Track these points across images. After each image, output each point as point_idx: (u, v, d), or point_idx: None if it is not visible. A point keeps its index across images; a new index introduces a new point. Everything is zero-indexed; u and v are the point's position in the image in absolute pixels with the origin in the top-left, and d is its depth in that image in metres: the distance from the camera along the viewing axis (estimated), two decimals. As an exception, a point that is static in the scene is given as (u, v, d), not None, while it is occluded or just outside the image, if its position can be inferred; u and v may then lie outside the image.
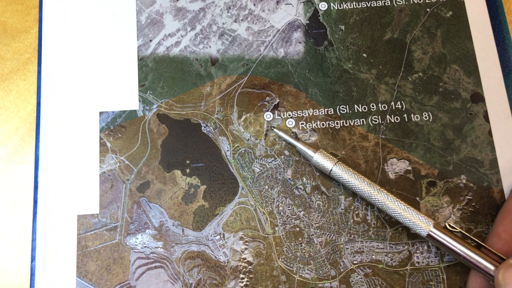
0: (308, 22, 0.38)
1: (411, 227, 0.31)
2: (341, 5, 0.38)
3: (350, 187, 0.33)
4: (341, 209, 0.34)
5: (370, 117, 0.36)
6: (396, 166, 0.35)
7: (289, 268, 0.33)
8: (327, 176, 0.35)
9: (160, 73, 0.37)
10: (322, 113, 0.36)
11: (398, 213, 0.32)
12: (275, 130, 0.35)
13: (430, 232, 0.31)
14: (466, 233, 0.33)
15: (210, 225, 0.34)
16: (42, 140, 0.35)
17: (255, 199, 0.34)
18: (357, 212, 0.34)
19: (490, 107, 0.36)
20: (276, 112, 0.36)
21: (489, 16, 0.38)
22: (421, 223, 0.31)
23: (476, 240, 0.32)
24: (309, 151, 0.34)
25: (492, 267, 0.29)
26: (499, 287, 0.27)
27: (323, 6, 0.38)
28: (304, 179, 0.35)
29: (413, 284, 0.33)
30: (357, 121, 0.36)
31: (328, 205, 0.34)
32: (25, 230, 0.34)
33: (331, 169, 0.33)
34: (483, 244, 0.31)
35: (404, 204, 0.32)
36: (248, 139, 0.35)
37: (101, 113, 0.36)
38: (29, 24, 0.39)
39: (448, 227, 0.33)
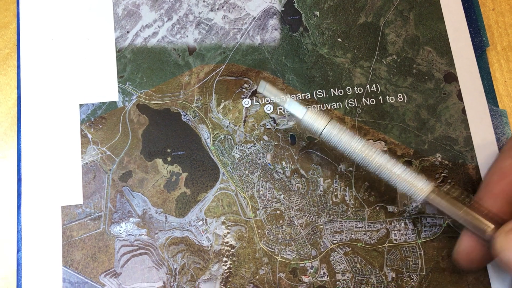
0: (283, 8, 0.39)
1: (409, 190, 0.30)
2: (316, -9, 0.39)
3: (344, 149, 0.30)
4: (320, 191, 0.35)
5: (346, 100, 0.37)
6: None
7: (271, 250, 0.34)
8: (306, 159, 0.35)
9: (139, 64, 0.37)
10: (299, 98, 0.37)
11: (396, 175, 0.30)
12: (262, 92, 0.32)
13: (429, 195, 0.29)
14: (463, 197, 0.32)
15: (193, 211, 0.34)
16: (24, 134, 0.35)
17: (236, 184, 0.35)
18: (335, 193, 0.35)
19: (463, 86, 0.37)
20: (254, 98, 0.37)
21: (460, -3, 0.39)
22: (420, 185, 0.29)
23: (473, 202, 0.30)
24: (300, 107, 0.31)
25: (491, 229, 0.28)
26: (497, 252, 0.27)
27: (297, -7, 0.39)
28: (284, 163, 0.35)
29: (391, 261, 0.34)
30: (333, 104, 0.36)
31: (307, 187, 0.35)
32: (10, 222, 0.35)
33: (324, 127, 0.30)
34: (481, 206, 0.30)
35: (403, 165, 0.30)
36: (228, 126, 0.36)
37: (81, 105, 0.36)
38: (8, 19, 0.39)
39: (446, 190, 0.32)
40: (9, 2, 0.39)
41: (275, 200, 0.35)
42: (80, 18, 0.38)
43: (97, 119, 0.36)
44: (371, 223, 0.34)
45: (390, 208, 0.34)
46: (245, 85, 0.37)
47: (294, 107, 0.31)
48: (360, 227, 0.34)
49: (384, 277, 0.33)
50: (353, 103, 0.36)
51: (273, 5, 0.39)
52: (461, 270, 0.33)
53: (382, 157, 0.30)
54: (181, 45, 0.38)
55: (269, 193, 0.35)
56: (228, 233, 0.34)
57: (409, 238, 0.34)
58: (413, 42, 0.38)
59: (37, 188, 0.34)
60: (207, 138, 0.36)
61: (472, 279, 0.33)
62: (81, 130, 0.36)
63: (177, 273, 0.33)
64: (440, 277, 0.33)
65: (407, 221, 0.34)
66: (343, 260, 0.34)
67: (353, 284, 0.33)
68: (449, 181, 0.35)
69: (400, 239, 0.34)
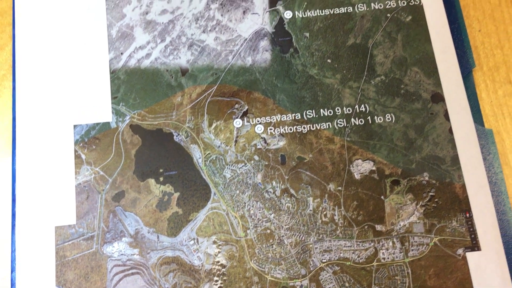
0: (274, 30, 0.39)
1: None
2: (305, 13, 0.40)
3: None
4: (310, 210, 0.35)
5: (335, 120, 0.37)
6: (361, 167, 0.36)
7: (261, 269, 0.34)
8: (295, 178, 0.36)
9: (132, 85, 0.38)
10: (289, 118, 0.37)
11: None
12: None
13: None
14: None
15: (184, 230, 0.35)
16: (18, 154, 0.36)
17: (227, 204, 0.36)
18: (325, 212, 0.35)
19: (450, 106, 0.37)
20: (245, 118, 0.37)
21: (447, 20, 0.39)
22: None
23: None
24: None
25: None
26: None
27: (288, 15, 0.40)
28: (274, 182, 0.36)
29: (379, 279, 0.34)
30: (323, 125, 0.37)
31: (297, 206, 0.36)
32: (4, 242, 0.35)
33: None
34: None
35: None
36: (219, 146, 0.37)
37: (75, 126, 0.37)
38: (3, 41, 0.40)
39: None
40: (5, 24, 0.40)
41: (266, 219, 0.35)
42: (75, 40, 0.39)
43: (91, 139, 0.37)
44: (360, 242, 0.35)
45: (378, 227, 0.35)
46: (236, 105, 0.38)
47: None
48: (349, 246, 0.35)
49: (372, 296, 0.34)
50: (342, 123, 0.37)
51: (264, 27, 0.39)
52: None
53: None
54: (174, 66, 0.38)
55: (259, 212, 0.35)
56: (219, 252, 0.35)
57: (396, 257, 0.34)
58: (401, 63, 0.38)
59: (31, 208, 0.35)
60: (199, 158, 0.36)
61: (459, 297, 0.34)
62: (75, 151, 0.36)
63: (168, 292, 0.34)
64: (427, 296, 0.34)
65: (395, 240, 0.35)
66: (332, 279, 0.34)
67: (342, 302, 0.34)
68: (436, 200, 0.36)
69: (388, 258, 0.34)
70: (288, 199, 0.36)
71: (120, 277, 0.34)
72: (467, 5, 0.40)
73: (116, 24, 0.39)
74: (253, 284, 0.34)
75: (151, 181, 0.36)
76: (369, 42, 0.39)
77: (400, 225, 0.35)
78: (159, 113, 0.37)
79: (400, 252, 0.35)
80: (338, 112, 0.37)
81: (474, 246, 0.35)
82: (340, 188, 0.36)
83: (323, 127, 0.37)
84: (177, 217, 0.35)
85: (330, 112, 0.37)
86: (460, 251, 0.35)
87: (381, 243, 0.35)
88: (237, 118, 0.37)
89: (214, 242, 0.35)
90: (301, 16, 0.40)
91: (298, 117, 0.37)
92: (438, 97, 0.38)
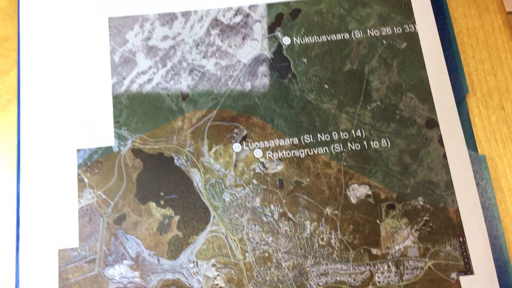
0: (272, 56, 0.40)
1: None
2: (303, 39, 0.41)
3: None
4: (307, 233, 0.36)
5: (332, 145, 0.38)
6: (358, 191, 0.37)
7: (259, 291, 0.35)
8: (293, 202, 0.37)
9: (134, 109, 0.39)
10: (287, 143, 0.38)
11: None
12: None
13: None
14: None
15: (184, 253, 0.36)
16: (23, 178, 0.37)
17: (226, 227, 0.36)
18: (322, 236, 0.36)
19: (444, 132, 0.38)
20: (244, 143, 0.38)
21: (442, 46, 0.40)
22: None
23: None
24: None
25: None
26: None
27: (286, 41, 0.41)
28: (272, 206, 0.37)
29: (375, 303, 0.35)
30: (320, 149, 0.38)
31: (294, 230, 0.36)
32: (8, 265, 0.36)
33: None
34: None
35: None
36: (219, 170, 0.38)
37: (78, 150, 0.38)
38: (9, 66, 0.41)
39: None
40: (9, 49, 0.41)
41: (264, 242, 0.36)
42: (79, 65, 0.40)
43: (94, 163, 0.37)
44: (356, 265, 0.36)
45: (374, 251, 0.36)
46: (235, 130, 0.39)
47: None
48: (345, 270, 0.36)
49: (368, 319, 0.35)
50: (339, 148, 0.38)
51: (263, 53, 0.40)
52: None
53: None
54: (175, 91, 0.39)
55: (257, 235, 0.36)
56: (218, 275, 0.35)
57: (392, 280, 0.35)
58: (396, 89, 0.39)
59: (35, 231, 0.36)
60: (199, 182, 0.37)
61: (453, 321, 0.34)
62: (78, 174, 0.37)
63: (168, 315, 0.34)
64: (421, 319, 0.35)
65: (390, 263, 0.36)
66: (328, 302, 0.35)
67: (338, 325, 0.34)
68: (430, 224, 0.36)
69: (383, 282, 0.35)
70: (286, 222, 0.36)
71: (121, 300, 0.35)
72: (461, 32, 0.42)
73: (118, 50, 0.40)
74: (251, 306, 0.35)
75: (152, 204, 0.37)
76: (365, 68, 0.40)
77: (395, 249, 0.36)
78: (160, 137, 0.38)
79: (395, 276, 0.35)
80: (335, 137, 0.38)
81: (467, 270, 0.35)
82: (336, 212, 0.37)
83: (320, 151, 0.38)
84: (177, 240, 0.36)
85: (327, 137, 0.38)
86: (453, 275, 0.35)
87: (376, 267, 0.36)
88: (236, 142, 0.38)
89: (213, 265, 0.36)
90: (299, 42, 0.41)
91: (295, 141, 0.38)
92: (432, 123, 0.39)
